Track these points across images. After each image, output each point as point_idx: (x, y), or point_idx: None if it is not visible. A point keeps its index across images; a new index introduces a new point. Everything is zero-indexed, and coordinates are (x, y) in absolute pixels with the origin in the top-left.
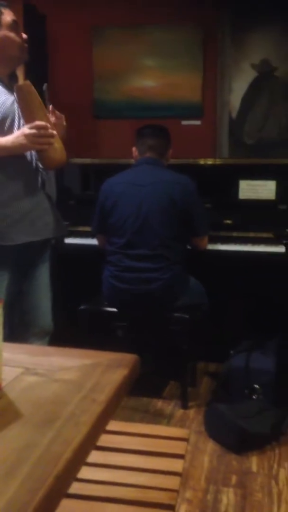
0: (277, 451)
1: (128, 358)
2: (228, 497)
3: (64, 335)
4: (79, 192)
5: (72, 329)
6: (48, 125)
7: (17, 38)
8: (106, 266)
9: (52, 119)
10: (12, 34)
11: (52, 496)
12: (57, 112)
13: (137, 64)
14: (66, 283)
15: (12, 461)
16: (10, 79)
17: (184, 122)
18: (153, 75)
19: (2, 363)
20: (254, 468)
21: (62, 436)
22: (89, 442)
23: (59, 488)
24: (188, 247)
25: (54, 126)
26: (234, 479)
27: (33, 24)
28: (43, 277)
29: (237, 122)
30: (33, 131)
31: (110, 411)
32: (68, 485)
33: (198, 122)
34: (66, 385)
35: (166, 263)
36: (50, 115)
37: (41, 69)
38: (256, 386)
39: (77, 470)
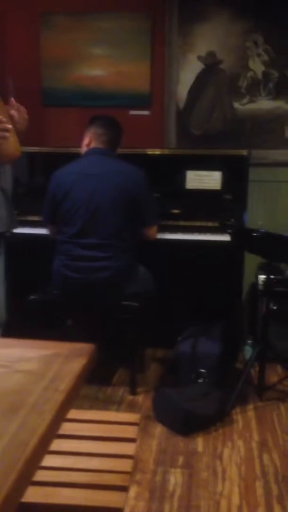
0: (221, 431)
1: (86, 348)
2: (176, 477)
3: (12, 325)
4: (26, 180)
5: (21, 319)
6: (4, 118)
7: None
8: (56, 256)
9: (14, 112)
10: None
11: (22, 480)
12: (20, 106)
13: (85, 52)
14: (14, 273)
15: None
16: None
17: (132, 112)
18: (101, 64)
19: None
20: (200, 448)
21: (28, 424)
22: (53, 429)
23: (28, 473)
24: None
25: (13, 119)
26: (181, 460)
27: None
28: None
29: (184, 113)
30: None
31: (71, 399)
32: (35, 469)
33: (146, 112)
34: (28, 376)
35: (116, 252)
36: (10, 108)
37: None
38: (202, 370)
39: (42, 455)
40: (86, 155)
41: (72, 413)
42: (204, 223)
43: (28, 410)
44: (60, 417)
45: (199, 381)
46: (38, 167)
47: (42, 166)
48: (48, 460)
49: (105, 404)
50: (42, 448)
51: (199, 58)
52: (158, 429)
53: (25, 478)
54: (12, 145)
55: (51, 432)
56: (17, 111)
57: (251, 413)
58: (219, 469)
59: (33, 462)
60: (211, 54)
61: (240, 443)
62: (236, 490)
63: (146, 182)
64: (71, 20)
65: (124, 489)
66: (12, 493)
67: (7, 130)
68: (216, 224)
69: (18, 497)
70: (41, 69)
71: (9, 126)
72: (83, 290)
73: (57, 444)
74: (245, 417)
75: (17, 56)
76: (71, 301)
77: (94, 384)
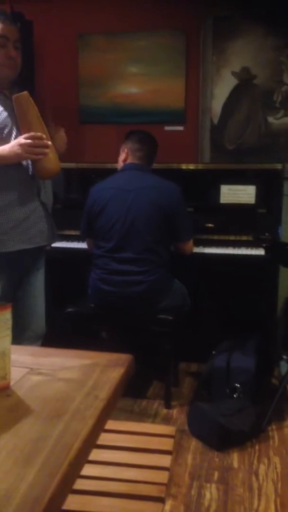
0: (257, 447)
1: (124, 358)
2: (211, 492)
3: (49, 337)
4: (64, 196)
5: (57, 331)
6: (44, 135)
7: (3, 58)
8: (92, 269)
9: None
10: None
11: (67, 481)
12: (58, 127)
13: (121, 70)
14: (51, 286)
15: (28, 450)
16: (10, 89)
17: (167, 128)
18: (137, 82)
19: (10, 363)
20: (235, 464)
21: (71, 429)
22: (94, 435)
23: (72, 474)
24: (173, 250)
25: (52, 138)
26: (216, 475)
27: (20, 31)
28: (38, 283)
29: (218, 128)
30: (29, 141)
31: (111, 406)
32: (79, 471)
33: (180, 128)
34: (69, 383)
35: (151, 266)
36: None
37: (27, 75)
38: (237, 385)
39: (85, 459)
40: (122, 170)
41: (109, 424)
42: (238, 237)
43: (70, 416)
44: (100, 423)
45: (234, 396)
46: (76, 183)
47: (80, 182)
48: (87, 470)
49: (140, 417)
50: (85, 452)
51: (233, 73)
52: (193, 443)
53: (71, 478)
54: (52, 161)
55: (93, 438)
56: (56, 132)
57: (287, 430)
58: (255, 485)
59: (76, 465)
60: (245, 70)
61: (276, 459)
62: (272, 507)
63: (182, 198)
64: (107, 39)
65: (160, 500)
66: (57, 491)
67: (46, 146)
68: (250, 238)
69: (61, 501)
70: (79, 87)
71: (49, 142)
72: (119, 304)
73: (95, 454)
74: (282, 434)
75: (56, 75)
76: (106, 314)
77: (129, 397)
